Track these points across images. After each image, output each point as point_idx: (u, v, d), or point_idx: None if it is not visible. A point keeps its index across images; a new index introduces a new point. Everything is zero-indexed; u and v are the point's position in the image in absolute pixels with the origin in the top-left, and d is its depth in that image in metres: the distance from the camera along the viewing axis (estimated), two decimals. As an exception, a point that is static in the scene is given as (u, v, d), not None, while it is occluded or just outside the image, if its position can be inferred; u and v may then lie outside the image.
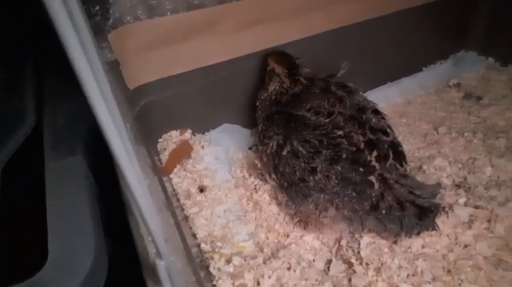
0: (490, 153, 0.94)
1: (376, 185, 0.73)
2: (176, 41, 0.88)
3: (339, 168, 0.73)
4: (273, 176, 0.84)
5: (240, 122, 1.08)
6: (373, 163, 0.74)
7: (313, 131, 0.77)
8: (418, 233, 0.74)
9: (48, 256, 0.48)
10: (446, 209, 0.77)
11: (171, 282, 0.40)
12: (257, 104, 0.95)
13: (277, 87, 0.90)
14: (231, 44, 0.95)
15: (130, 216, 0.54)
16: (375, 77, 1.20)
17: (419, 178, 0.89)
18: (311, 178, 0.75)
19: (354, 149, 0.74)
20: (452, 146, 0.99)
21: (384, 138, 0.78)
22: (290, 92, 0.88)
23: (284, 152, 0.79)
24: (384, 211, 0.72)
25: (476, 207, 0.80)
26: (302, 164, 0.76)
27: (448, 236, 0.76)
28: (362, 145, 0.75)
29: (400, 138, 0.83)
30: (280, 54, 0.94)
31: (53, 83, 0.77)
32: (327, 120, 0.78)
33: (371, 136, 0.76)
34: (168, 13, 0.85)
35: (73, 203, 0.55)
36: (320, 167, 0.74)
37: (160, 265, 0.39)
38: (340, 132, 0.76)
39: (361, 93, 0.87)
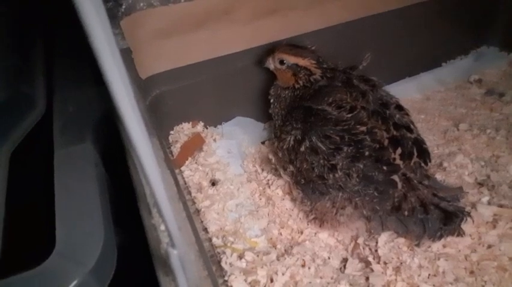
0: (514, 151, 0.90)
1: (399, 185, 0.69)
2: (190, 29, 0.86)
3: (361, 166, 0.69)
4: (289, 171, 0.81)
5: (254, 116, 1.06)
6: (397, 161, 0.71)
7: (334, 126, 0.73)
8: (441, 237, 0.70)
9: (56, 244, 0.46)
10: (472, 213, 0.73)
11: (184, 272, 0.37)
12: (271, 100, 0.91)
13: (304, 82, 0.85)
14: (247, 34, 0.92)
15: (141, 205, 0.52)
16: (392, 71, 1.17)
17: (440, 175, 0.86)
18: (330, 175, 0.71)
19: (378, 146, 0.71)
20: (474, 143, 0.95)
21: (408, 135, 0.74)
22: (316, 84, 0.83)
23: (302, 148, 0.75)
24: (406, 213, 0.69)
25: (501, 206, 0.77)
26: (321, 161, 0.72)
27: (470, 235, 0.73)
28: (386, 142, 0.72)
29: (418, 135, 0.80)
30: (294, 47, 0.88)
31: (63, 70, 0.76)
32: (350, 115, 0.74)
33: (395, 133, 0.73)
34: (183, 0, 0.83)
35: (82, 191, 0.54)
36: (341, 164, 0.70)
37: (173, 254, 0.37)
38: (363, 128, 0.72)
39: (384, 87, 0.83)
